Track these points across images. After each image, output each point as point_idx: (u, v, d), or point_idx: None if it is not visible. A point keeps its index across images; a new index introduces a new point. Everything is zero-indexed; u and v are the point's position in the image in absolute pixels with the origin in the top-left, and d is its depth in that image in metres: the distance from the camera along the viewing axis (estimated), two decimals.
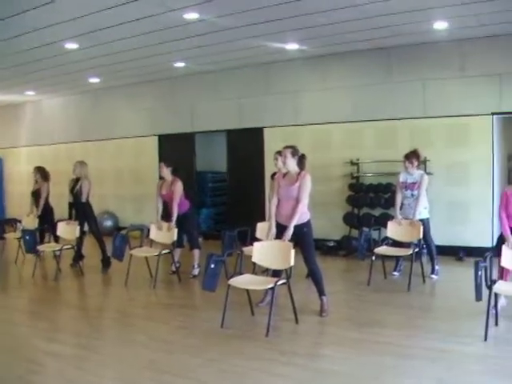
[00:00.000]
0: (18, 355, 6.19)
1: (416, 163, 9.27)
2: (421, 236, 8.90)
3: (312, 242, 7.38)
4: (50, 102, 18.17)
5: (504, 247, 6.74)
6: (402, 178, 9.40)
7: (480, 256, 6.47)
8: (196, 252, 9.82)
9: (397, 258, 9.62)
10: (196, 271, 9.76)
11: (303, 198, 7.14)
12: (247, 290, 7.14)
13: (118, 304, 8.61)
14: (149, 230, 9.75)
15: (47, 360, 6.04)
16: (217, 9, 8.77)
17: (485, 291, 6.28)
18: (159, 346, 6.35)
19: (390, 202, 11.20)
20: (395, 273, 9.57)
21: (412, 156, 9.28)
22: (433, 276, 9.36)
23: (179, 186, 9.57)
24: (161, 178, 10.05)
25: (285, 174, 7.38)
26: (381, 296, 8.39)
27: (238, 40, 10.60)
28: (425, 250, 9.76)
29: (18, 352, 6.30)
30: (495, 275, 6.72)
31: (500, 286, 6.40)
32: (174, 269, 9.64)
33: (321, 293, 7.39)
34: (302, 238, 7.23)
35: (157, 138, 15.16)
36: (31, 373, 5.63)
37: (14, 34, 9.50)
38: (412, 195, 9.23)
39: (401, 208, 9.34)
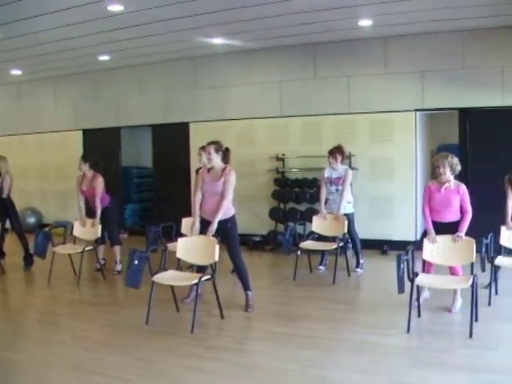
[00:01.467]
0: None
1: (340, 158, 9.38)
2: (345, 230, 9.03)
3: (237, 237, 7.38)
4: None
5: (425, 240, 6.88)
6: (326, 173, 9.50)
7: (404, 249, 6.57)
8: (117, 248, 9.68)
9: (322, 253, 9.70)
10: (119, 267, 9.62)
11: (228, 193, 7.12)
12: (172, 287, 7.06)
13: (42, 303, 8.41)
14: (73, 227, 9.56)
15: None
16: (142, 1, 8.65)
17: (408, 284, 6.39)
18: (84, 345, 6.21)
19: (316, 197, 11.29)
20: (321, 267, 9.65)
21: (336, 152, 9.40)
22: (357, 270, 9.49)
23: (100, 182, 9.44)
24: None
25: (209, 170, 7.32)
26: (306, 290, 8.46)
27: (164, 34, 10.47)
28: (350, 244, 9.86)
29: None
30: (419, 268, 6.85)
31: (422, 279, 6.54)
32: (98, 266, 9.49)
33: (246, 288, 7.40)
34: (226, 233, 7.22)
35: (81, 132, 14.86)
36: None
37: None
38: (337, 190, 9.34)
39: (326, 203, 9.43)
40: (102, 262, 9.51)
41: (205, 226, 7.12)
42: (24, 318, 7.57)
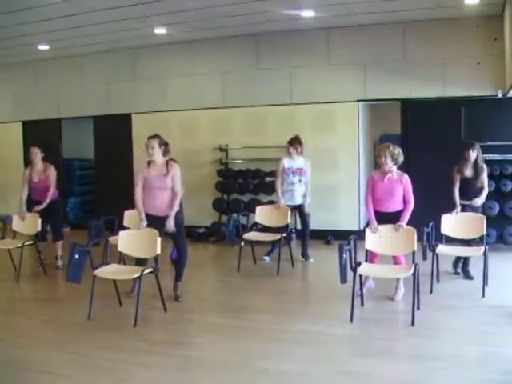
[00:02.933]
0: None
1: (300, 149, 9.34)
2: (289, 221, 9.00)
3: (183, 228, 7.34)
4: None
5: (367, 230, 6.92)
6: (286, 163, 9.40)
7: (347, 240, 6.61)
8: (60, 243, 9.48)
9: (272, 244, 9.58)
10: (60, 262, 9.42)
11: (179, 187, 7.11)
12: (114, 281, 6.97)
13: None
14: (12, 221, 9.32)
15: None
16: None
17: (350, 274, 6.42)
18: (23, 343, 6.06)
19: (259, 188, 11.34)
20: (265, 257, 9.64)
21: (296, 142, 9.38)
22: (310, 260, 9.58)
23: (53, 172, 9.28)
24: (28, 164, 9.60)
25: (149, 164, 7.20)
26: (250, 281, 8.47)
27: (104, 23, 10.33)
28: (293, 235, 9.87)
29: None
30: (363, 258, 6.88)
31: (364, 269, 6.58)
32: (39, 261, 9.24)
33: (179, 278, 7.40)
34: (176, 224, 7.14)
35: (21, 124, 14.54)
36: None
37: None
38: (300, 180, 9.35)
39: (284, 194, 9.37)
40: (43, 257, 9.28)
41: (154, 222, 7.02)
42: None
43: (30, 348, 5.86)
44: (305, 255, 9.59)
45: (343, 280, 6.45)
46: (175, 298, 7.26)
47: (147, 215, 7.10)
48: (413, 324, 6.09)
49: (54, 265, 9.40)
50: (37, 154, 9.35)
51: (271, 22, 10.69)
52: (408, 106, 10.89)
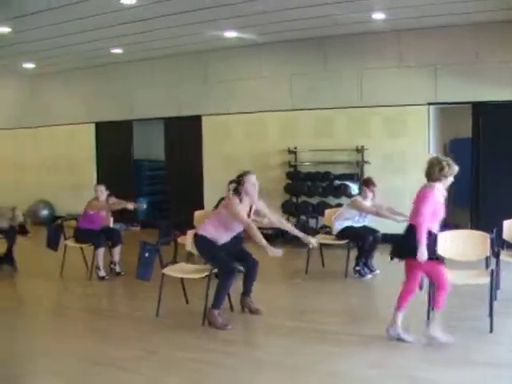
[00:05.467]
0: None
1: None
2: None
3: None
4: None
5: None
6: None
7: None
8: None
9: (359, 252, 8.94)
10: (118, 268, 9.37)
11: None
12: (182, 279, 7.07)
13: (53, 295, 8.45)
14: None
15: None
16: None
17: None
18: (96, 338, 6.24)
19: (328, 191, 11.31)
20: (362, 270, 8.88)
21: (371, 184, 8.86)
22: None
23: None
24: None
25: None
26: (319, 284, 8.43)
27: (176, 27, 10.47)
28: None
29: None
30: None
31: None
32: (112, 260, 9.38)
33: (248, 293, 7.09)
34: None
35: (94, 125, 14.89)
36: None
37: None
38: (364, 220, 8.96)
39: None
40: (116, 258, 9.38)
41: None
42: (36, 310, 7.59)
43: (103, 343, 6.01)
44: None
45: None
46: (254, 311, 6.96)
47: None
48: (491, 331, 5.95)
49: (128, 263, 9.38)
50: (101, 192, 9.30)
51: (338, 26, 10.66)
52: (480, 110, 10.68)
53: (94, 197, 9.29)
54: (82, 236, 9.12)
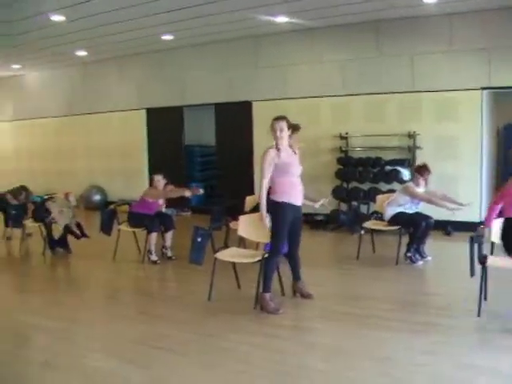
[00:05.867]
0: (4, 330, 6.18)
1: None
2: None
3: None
4: (36, 76, 18.00)
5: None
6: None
7: (468, 231, 6.42)
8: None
9: (410, 238, 8.77)
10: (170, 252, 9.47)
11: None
12: (233, 264, 7.13)
13: (107, 278, 8.59)
14: None
15: (35, 334, 6.05)
16: None
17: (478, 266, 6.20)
18: (148, 320, 6.35)
19: (379, 177, 11.24)
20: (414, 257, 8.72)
21: (425, 171, 8.66)
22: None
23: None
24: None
25: (278, 149, 6.46)
26: (369, 270, 8.38)
27: (227, 12, 10.49)
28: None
29: (4, 327, 6.29)
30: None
31: (495, 261, 6.25)
32: (164, 244, 9.49)
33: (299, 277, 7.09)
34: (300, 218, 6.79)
35: (145, 111, 15.05)
36: (19, 347, 5.64)
37: None
38: (417, 207, 8.79)
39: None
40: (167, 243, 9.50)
41: (293, 212, 6.55)
42: (90, 292, 7.76)
43: (155, 326, 6.12)
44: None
45: (472, 273, 6.21)
46: (306, 296, 6.95)
47: (286, 205, 6.46)
48: None
49: (177, 248, 9.47)
50: (158, 181, 9.33)
51: (392, 9, 10.54)
52: None
53: (152, 186, 9.39)
54: (135, 220, 9.25)
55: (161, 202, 9.42)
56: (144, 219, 9.10)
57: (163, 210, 9.60)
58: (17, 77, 18.50)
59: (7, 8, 9.54)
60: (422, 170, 8.63)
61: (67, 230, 9.92)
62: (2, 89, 19.12)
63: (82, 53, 14.50)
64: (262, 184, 6.39)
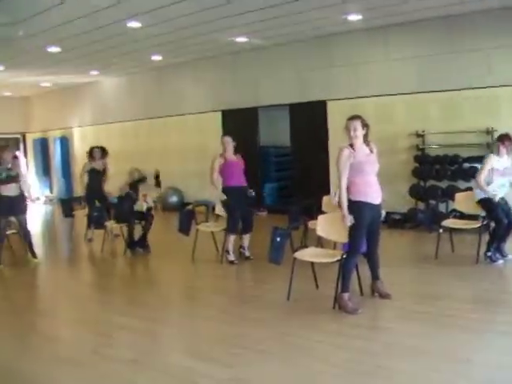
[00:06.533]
0: (90, 328, 6.40)
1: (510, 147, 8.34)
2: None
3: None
4: (114, 81, 18.48)
5: None
6: (499, 164, 8.30)
7: None
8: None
9: (491, 236, 8.48)
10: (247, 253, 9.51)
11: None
12: (312, 263, 7.14)
13: (186, 278, 8.76)
14: (214, 206, 9.80)
15: (120, 333, 6.21)
16: None
17: None
18: (228, 319, 6.45)
19: (457, 174, 11.05)
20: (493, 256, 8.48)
21: (506, 139, 8.30)
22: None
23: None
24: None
25: (352, 148, 6.48)
26: (448, 269, 8.21)
27: (299, 13, 10.49)
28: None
29: (90, 325, 6.51)
30: None
31: None
32: (241, 244, 9.52)
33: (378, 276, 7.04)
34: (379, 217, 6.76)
35: (220, 113, 15.22)
36: (104, 345, 5.82)
37: (77, 15, 9.63)
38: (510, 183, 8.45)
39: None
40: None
41: (371, 210, 6.51)
42: (170, 292, 7.95)
43: (235, 325, 6.22)
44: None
45: None
46: (384, 295, 6.88)
47: (362, 204, 6.45)
48: None
49: (256, 247, 9.48)
50: (228, 142, 9.35)
51: (465, 4, 10.32)
52: None
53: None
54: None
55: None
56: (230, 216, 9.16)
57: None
58: (95, 83, 19.03)
59: (85, 17, 9.81)
60: (503, 138, 8.32)
61: (149, 226, 10.22)
62: (81, 94, 19.74)
63: (157, 57, 14.78)
64: (340, 184, 6.41)
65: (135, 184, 10.33)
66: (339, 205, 6.47)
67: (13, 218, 10.05)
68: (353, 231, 6.42)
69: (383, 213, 6.76)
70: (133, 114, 17.67)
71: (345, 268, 6.44)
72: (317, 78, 13.22)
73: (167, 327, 6.38)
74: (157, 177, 10.30)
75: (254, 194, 9.35)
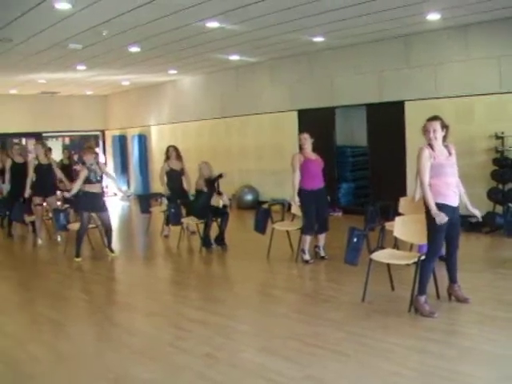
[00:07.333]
0: (166, 322, 6.58)
1: None
2: None
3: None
4: (191, 80, 18.75)
5: None
6: None
7: None
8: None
9: None
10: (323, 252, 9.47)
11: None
12: (388, 265, 7.09)
13: (261, 276, 8.84)
14: (289, 205, 9.83)
15: (194, 327, 6.31)
16: None
17: None
18: (302, 318, 6.49)
19: None
20: None
21: None
22: None
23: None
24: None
25: (431, 148, 6.39)
26: None
27: (377, 12, 10.40)
28: None
29: (166, 319, 6.68)
30: None
31: None
32: (317, 244, 9.49)
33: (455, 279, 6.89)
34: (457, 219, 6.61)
35: (296, 113, 15.24)
36: (179, 339, 5.96)
37: (160, 15, 9.80)
38: None
39: None
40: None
41: (451, 212, 6.34)
42: (245, 289, 8.02)
43: (309, 324, 6.26)
44: None
45: None
46: (462, 300, 6.77)
47: (441, 206, 6.26)
48: None
49: (332, 247, 9.48)
50: (306, 139, 9.32)
51: None
52: None
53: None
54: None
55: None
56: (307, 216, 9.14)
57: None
58: (173, 81, 19.34)
59: (167, 17, 9.97)
60: None
61: (225, 223, 10.41)
62: (160, 93, 20.11)
63: (234, 57, 14.90)
64: (423, 183, 6.31)
65: (213, 181, 10.47)
66: (424, 204, 6.37)
67: (93, 214, 10.37)
68: (432, 234, 6.33)
69: (477, 213, 6.65)
70: (209, 113, 17.90)
71: (423, 270, 6.36)
72: (394, 78, 13.08)
73: (241, 323, 6.46)
74: (214, 180, 10.38)
75: (329, 199, 9.36)
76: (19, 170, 12.18)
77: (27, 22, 9.74)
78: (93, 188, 9.93)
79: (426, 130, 6.38)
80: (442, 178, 6.32)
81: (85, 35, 10.98)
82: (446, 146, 6.49)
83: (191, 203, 11.09)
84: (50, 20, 9.76)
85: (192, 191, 11.35)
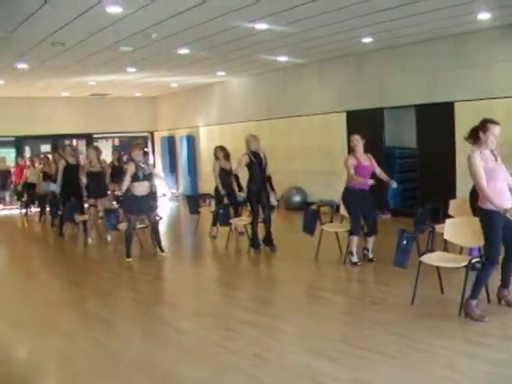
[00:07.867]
0: (214, 322, 6.65)
1: None
2: None
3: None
4: (239, 82, 18.84)
5: None
6: None
7: None
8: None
9: None
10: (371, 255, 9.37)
11: None
12: (438, 268, 7.01)
13: (309, 277, 8.84)
14: (338, 206, 9.79)
15: (242, 328, 6.35)
16: None
17: None
18: (350, 321, 6.49)
19: None
20: None
21: None
22: None
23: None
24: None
25: (482, 154, 6.29)
26: None
27: (429, 12, 10.29)
28: None
29: (214, 319, 6.74)
30: None
31: None
32: (365, 246, 9.39)
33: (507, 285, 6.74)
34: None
35: (345, 114, 15.18)
36: (227, 339, 6.01)
37: (210, 17, 9.86)
38: None
39: None
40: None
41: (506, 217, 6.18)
42: (293, 290, 8.03)
43: (358, 326, 6.29)
44: None
45: None
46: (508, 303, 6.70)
47: (495, 211, 6.10)
48: None
49: (381, 250, 9.32)
50: (357, 140, 9.35)
51: None
52: None
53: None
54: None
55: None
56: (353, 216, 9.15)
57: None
58: (221, 83, 19.45)
59: (216, 19, 10.03)
60: None
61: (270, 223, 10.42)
62: (208, 94, 20.25)
63: (282, 58, 14.91)
64: (482, 188, 6.13)
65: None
66: (473, 208, 6.27)
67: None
68: (489, 235, 6.22)
69: None
70: (257, 114, 17.96)
71: (480, 276, 6.24)
72: (444, 78, 12.90)
73: (289, 325, 6.46)
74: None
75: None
76: (71, 171, 12.46)
77: (79, 26, 9.91)
78: (140, 188, 10.00)
79: (491, 134, 6.20)
80: (495, 182, 6.20)
81: (135, 38, 11.16)
82: (492, 151, 6.36)
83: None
84: (101, 23, 9.94)
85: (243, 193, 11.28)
